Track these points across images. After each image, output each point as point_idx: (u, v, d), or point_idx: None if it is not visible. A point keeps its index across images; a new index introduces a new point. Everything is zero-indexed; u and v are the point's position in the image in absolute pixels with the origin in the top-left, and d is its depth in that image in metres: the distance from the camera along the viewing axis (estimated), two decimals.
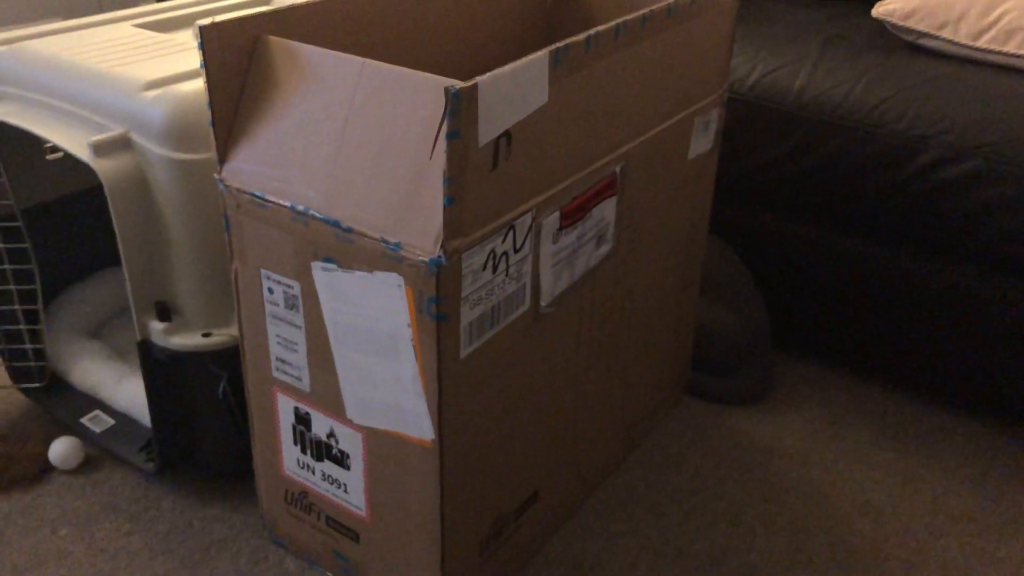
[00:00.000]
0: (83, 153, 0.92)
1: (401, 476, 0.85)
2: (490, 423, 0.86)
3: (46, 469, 1.14)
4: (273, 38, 0.81)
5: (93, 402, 1.18)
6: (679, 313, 1.17)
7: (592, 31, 0.80)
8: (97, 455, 1.16)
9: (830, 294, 1.26)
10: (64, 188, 1.25)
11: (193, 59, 1.01)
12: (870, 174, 1.16)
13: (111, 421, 1.16)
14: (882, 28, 1.35)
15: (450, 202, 0.71)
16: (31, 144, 1.16)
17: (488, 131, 0.71)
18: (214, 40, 0.79)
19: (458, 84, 0.67)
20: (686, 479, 1.14)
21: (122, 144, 0.94)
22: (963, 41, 1.24)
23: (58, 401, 1.20)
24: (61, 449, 1.13)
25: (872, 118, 1.16)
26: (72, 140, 0.95)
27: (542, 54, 0.75)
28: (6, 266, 1.14)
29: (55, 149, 1.11)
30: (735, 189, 1.29)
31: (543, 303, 0.87)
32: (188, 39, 1.11)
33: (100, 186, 1.28)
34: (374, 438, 0.85)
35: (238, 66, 0.82)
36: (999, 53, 1.21)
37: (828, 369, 1.35)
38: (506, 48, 1.16)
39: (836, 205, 1.20)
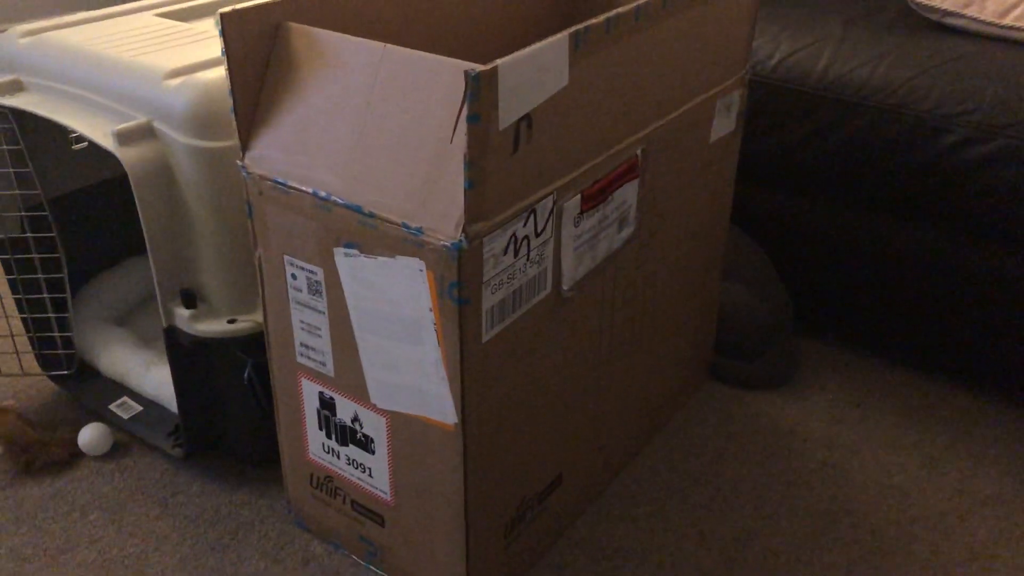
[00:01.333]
0: (107, 142, 0.93)
1: (425, 460, 0.86)
2: (513, 407, 0.86)
3: (76, 455, 1.15)
4: (294, 24, 0.82)
5: (121, 389, 1.20)
6: (702, 296, 1.17)
7: (612, 13, 0.80)
8: (126, 441, 1.18)
9: (854, 276, 1.25)
10: (90, 178, 1.26)
11: (214, 47, 1.02)
12: (895, 155, 1.15)
13: (139, 407, 1.17)
14: (906, 7, 1.34)
15: (471, 186, 0.71)
16: (57, 134, 1.17)
17: (508, 114, 0.71)
18: (235, 27, 0.79)
19: (478, 67, 0.67)
20: (709, 462, 1.14)
21: (146, 132, 0.94)
22: (989, 19, 1.22)
23: (87, 388, 1.21)
24: (90, 435, 1.15)
25: (897, 98, 1.14)
26: (96, 129, 0.96)
27: (562, 36, 0.74)
28: (34, 255, 1.15)
29: (80, 139, 1.12)
30: (758, 171, 1.28)
31: (565, 287, 0.87)
32: (209, 27, 1.11)
33: (125, 175, 1.30)
34: (398, 422, 0.86)
35: (259, 53, 0.82)
36: None
37: (852, 351, 1.34)
38: (525, 31, 1.16)
39: (860, 186, 1.19)
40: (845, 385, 1.27)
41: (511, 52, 0.70)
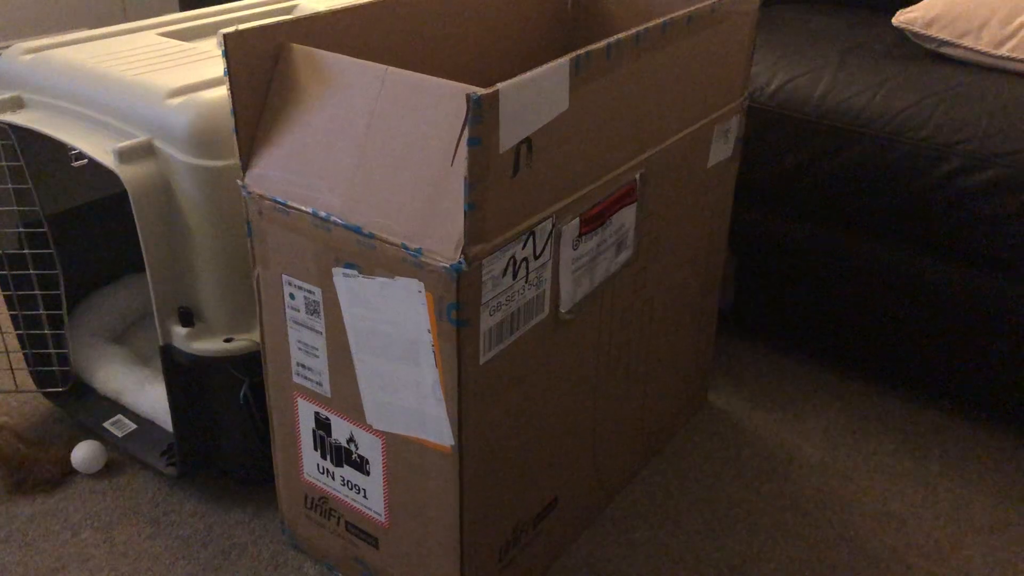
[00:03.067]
0: (108, 160, 0.93)
1: (420, 482, 0.85)
2: (510, 429, 0.86)
3: (69, 473, 1.15)
4: (296, 46, 0.82)
5: (115, 407, 1.19)
6: (699, 320, 1.17)
7: (612, 39, 0.80)
8: (119, 459, 1.17)
9: (851, 301, 1.26)
10: (88, 195, 1.27)
11: (216, 67, 1.02)
12: (891, 182, 1.16)
13: (133, 426, 1.17)
14: (903, 36, 1.35)
15: (471, 208, 0.71)
16: (56, 151, 1.17)
17: (509, 137, 0.72)
18: (238, 48, 0.80)
19: (480, 91, 0.68)
20: (706, 487, 1.14)
21: (146, 151, 0.95)
22: (985, 49, 1.23)
23: (81, 405, 1.21)
24: (84, 453, 1.14)
25: (893, 126, 1.15)
26: (97, 147, 0.96)
27: (563, 61, 0.75)
28: (31, 272, 1.15)
29: (80, 156, 1.12)
30: (755, 196, 1.29)
31: (563, 309, 0.87)
32: (211, 48, 1.12)
33: (124, 193, 1.30)
34: (394, 443, 0.86)
35: (261, 74, 0.83)
36: (1021, 61, 1.20)
37: (849, 377, 1.34)
38: (526, 55, 1.16)
39: (857, 213, 1.20)
40: (842, 411, 1.27)
41: (512, 76, 0.71)
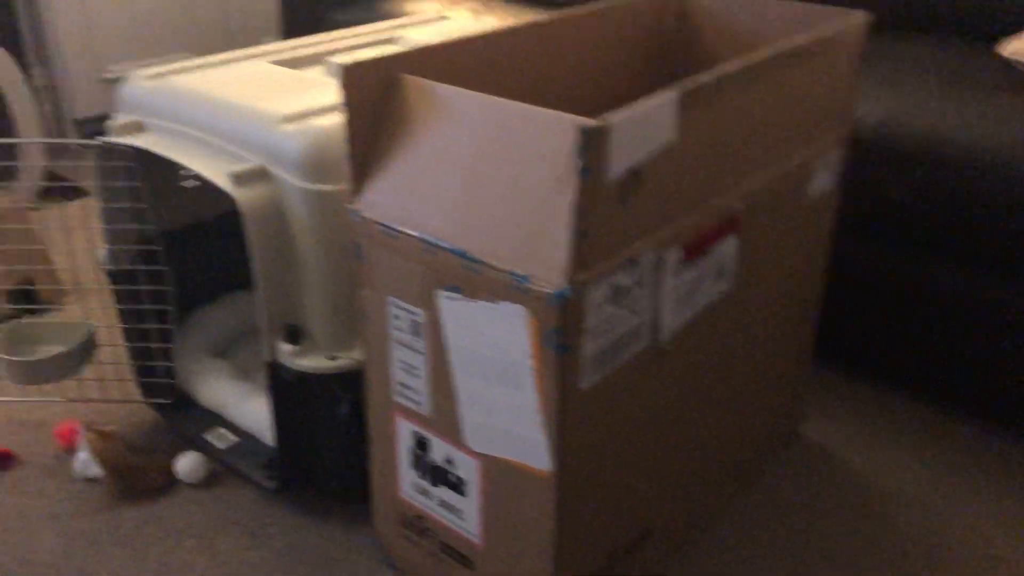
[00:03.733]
0: (224, 182, 0.97)
1: (517, 505, 0.86)
2: (607, 456, 0.86)
3: (172, 481, 1.19)
4: (408, 76, 0.85)
5: (218, 419, 1.24)
6: (795, 352, 1.16)
7: (721, 69, 0.81)
8: (220, 471, 1.21)
9: (955, 337, 1.22)
10: (195, 216, 1.32)
11: (325, 95, 1.06)
12: (1000, 216, 1.13)
13: (235, 438, 1.21)
14: (1008, 66, 1.32)
15: (578, 236, 0.73)
16: (168, 172, 1.23)
17: (618, 167, 0.73)
18: (354, 78, 0.83)
19: (591, 122, 0.69)
20: (799, 522, 1.12)
21: (260, 175, 0.98)
22: None
23: (185, 417, 1.25)
24: (187, 463, 1.18)
25: (1001, 159, 1.12)
26: (213, 170, 1.00)
27: (672, 92, 0.76)
28: (143, 287, 1.20)
29: (191, 178, 1.17)
30: (855, 229, 1.27)
31: (662, 338, 0.87)
32: (319, 76, 1.16)
33: (228, 214, 1.35)
34: (492, 466, 0.87)
35: (374, 103, 0.85)
36: None
37: (951, 415, 1.31)
38: (627, 83, 1.18)
39: (962, 247, 1.17)
40: (944, 449, 1.24)
41: (613, 103, 0.72)
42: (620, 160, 0.73)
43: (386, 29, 1.37)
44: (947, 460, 1.22)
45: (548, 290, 0.74)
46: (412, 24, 1.41)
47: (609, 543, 0.92)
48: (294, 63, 1.23)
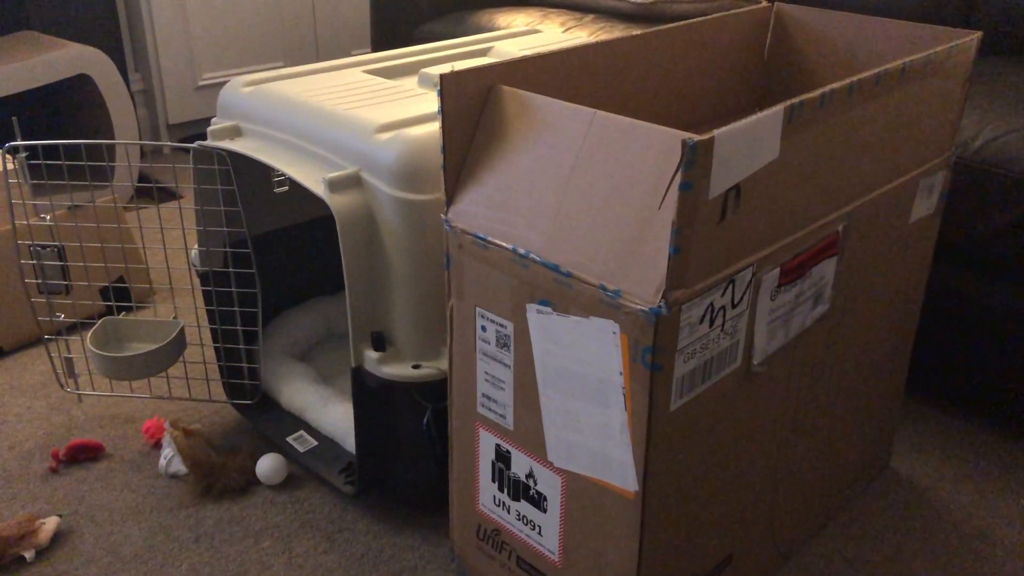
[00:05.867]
0: (319, 188, 0.99)
1: (599, 525, 0.85)
2: (693, 479, 0.84)
3: (252, 482, 1.21)
4: (506, 87, 0.85)
5: (299, 423, 1.25)
6: (889, 380, 1.12)
7: (827, 88, 0.79)
8: (299, 473, 1.22)
9: None
10: (284, 221, 1.34)
11: (420, 105, 1.07)
12: None
13: (314, 442, 1.22)
14: None
15: (676, 252, 0.71)
16: (261, 177, 1.25)
17: (719, 184, 0.71)
18: (452, 88, 0.83)
19: (695, 137, 0.68)
20: (886, 557, 1.08)
21: (354, 182, 0.99)
22: None
23: (267, 419, 1.27)
24: (267, 465, 1.20)
25: None
26: (308, 176, 1.02)
27: (777, 109, 0.74)
28: (233, 289, 1.22)
29: (282, 183, 1.19)
30: (955, 256, 1.23)
31: (755, 361, 0.85)
32: (412, 86, 1.17)
33: (316, 220, 1.37)
34: (574, 483, 0.86)
35: (471, 113, 0.85)
36: None
37: None
38: (722, 100, 1.16)
39: None
40: None
41: (709, 119, 0.70)
42: (722, 177, 0.71)
43: (478, 41, 1.37)
44: None
45: (641, 307, 0.73)
46: (503, 37, 1.41)
47: (691, 567, 0.90)
48: (388, 73, 1.24)
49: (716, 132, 0.69)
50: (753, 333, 0.83)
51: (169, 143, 1.26)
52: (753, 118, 0.72)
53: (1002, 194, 1.16)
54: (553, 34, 1.47)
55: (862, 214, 0.91)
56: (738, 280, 0.78)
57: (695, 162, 0.68)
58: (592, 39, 0.98)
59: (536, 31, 1.48)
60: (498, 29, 1.81)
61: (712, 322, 0.78)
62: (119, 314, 1.39)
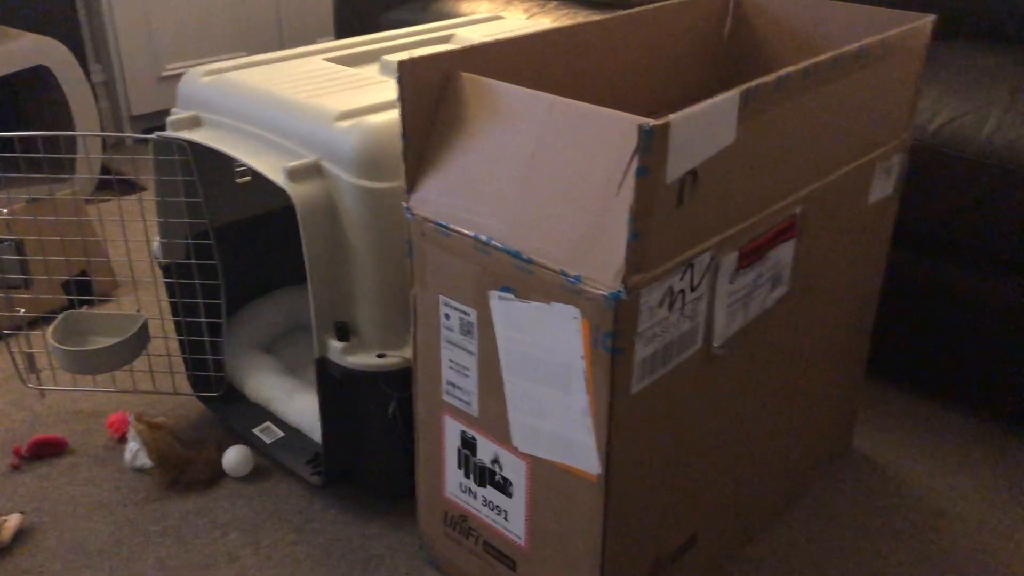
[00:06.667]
0: (279, 178, 0.98)
1: (564, 508, 0.85)
2: (656, 461, 0.85)
3: (219, 474, 1.20)
4: (465, 74, 0.85)
5: (264, 414, 1.25)
6: (849, 361, 1.13)
7: (782, 72, 0.79)
8: (266, 465, 1.22)
9: (1011, 351, 1.19)
10: (245, 211, 1.33)
11: (380, 92, 1.06)
12: None
13: (281, 433, 1.21)
14: None
15: (634, 237, 0.72)
16: (223, 168, 1.24)
17: (676, 169, 0.72)
18: (411, 75, 0.83)
19: (652, 121, 0.68)
20: (849, 536, 1.10)
21: (314, 171, 0.99)
22: None
23: (232, 411, 1.26)
24: (234, 457, 1.19)
25: None
26: (268, 165, 1.01)
27: (732, 94, 0.75)
28: (196, 281, 1.22)
29: (244, 173, 1.18)
30: (914, 237, 1.24)
31: (715, 344, 0.86)
32: (373, 73, 1.16)
33: (278, 211, 1.36)
34: (539, 468, 0.86)
35: (430, 100, 0.85)
36: None
37: (1007, 430, 1.27)
38: (682, 84, 1.16)
39: (1022, 258, 1.14)
40: (999, 464, 1.21)
41: (668, 105, 0.71)
42: (679, 161, 0.72)
43: (440, 28, 1.37)
44: (1004, 478, 1.19)
45: (601, 292, 0.73)
46: (466, 24, 1.41)
47: (656, 548, 0.91)
48: (349, 61, 1.23)
49: (672, 117, 0.69)
50: (713, 316, 0.84)
51: (130, 135, 1.25)
52: (709, 102, 0.73)
53: (959, 176, 1.17)
54: (517, 20, 1.47)
55: (820, 197, 0.92)
56: (697, 264, 0.79)
57: (651, 147, 0.69)
58: (555, 25, 0.98)
59: (499, 17, 1.48)
60: (461, 16, 1.80)
61: (672, 306, 0.78)
62: (81, 308, 1.37)
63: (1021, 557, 1.06)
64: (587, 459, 0.81)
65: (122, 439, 1.26)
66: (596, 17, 1.03)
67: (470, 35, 1.31)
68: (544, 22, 1.67)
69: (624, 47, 1.07)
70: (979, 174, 1.15)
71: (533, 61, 0.97)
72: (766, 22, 1.17)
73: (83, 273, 1.58)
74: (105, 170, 2.12)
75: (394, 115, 0.99)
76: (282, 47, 2.64)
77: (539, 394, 0.83)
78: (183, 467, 1.19)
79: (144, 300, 1.46)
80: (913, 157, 1.21)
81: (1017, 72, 1.31)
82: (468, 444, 0.93)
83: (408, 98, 0.83)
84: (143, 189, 2.04)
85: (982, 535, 1.09)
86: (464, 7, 1.85)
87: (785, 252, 0.90)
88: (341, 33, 2.07)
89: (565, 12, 1.74)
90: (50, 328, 1.27)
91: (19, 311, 1.35)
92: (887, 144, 1.01)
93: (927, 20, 0.99)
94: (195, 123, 1.13)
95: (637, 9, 1.07)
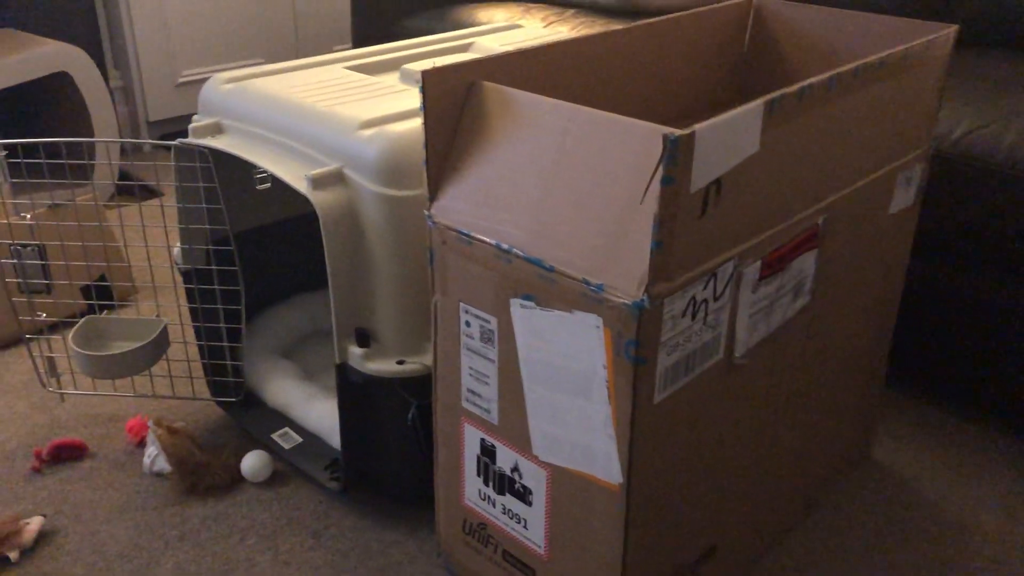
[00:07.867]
0: (301, 185, 0.99)
1: (584, 517, 0.85)
2: (677, 471, 0.85)
3: (237, 480, 1.20)
4: (488, 83, 0.85)
5: (283, 419, 1.25)
6: (868, 371, 1.13)
7: (805, 82, 0.79)
8: (284, 470, 1.22)
9: None
10: (268, 217, 1.34)
11: (402, 101, 1.07)
12: None
13: (299, 439, 1.22)
14: None
15: (658, 246, 0.72)
16: (242, 174, 1.25)
17: (701, 178, 0.72)
18: (435, 84, 0.83)
19: (676, 131, 0.68)
20: (867, 546, 1.09)
21: (337, 178, 0.99)
22: None
23: (251, 416, 1.27)
24: (252, 462, 1.20)
25: None
26: (290, 173, 1.01)
27: (757, 104, 0.75)
28: (216, 287, 1.22)
29: (264, 180, 1.19)
30: (934, 247, 1.24)
31: (737, 353, 0.86)
32: (394, 82, 1.17)
33: (298, 217, 1.37)
34: (559, 476, 0.86)
35: (453, 109, 0.86)
36: None
37: None
38: (703, 95, 1.16)
39: None
40: (1019, 476, 1.20)
41: (689, 114, 0.71)
42: (703, 171, 0.72)
43: (459, 37, 1.37)
44: (1022, 488, 1.18)
45: (624, 301, 0.74)
46: (484, 32, 1.41)
47: (675, 558, 0.91)
48: (369, 70, 1.24)
49: (697, 127, 0.69)
50: (735, 326, 0.84)
51: (150, 141, 1.26)
52: (733, 112, 0.73)
53: (979, 185, 1.17)
54: (534, 29, 1.48)
55: (842, 207, 0.92)
56: (720, 273, 0.79)
57: (676, 157, 0.69)
58: (573, 34, 0.99)
59: (517, 26, 1.49)
60: (479, 24, 1.81)
61: (695, 315, 0.78)
62: (101, 313, 1.38)
63: None
64: (608, 468, 0.81)
65: (141, 444, 1.27)
66: (614, 26, 1.04)
67: (489, 44, 1.31)
68: (561, 31, 1.68)
69: (643, 56, 1.07)
70: (1001, 184, 1.15)
71: (554, 70, 0.97)
72: (786, 32, 1.17)
73: (103, 278, 1.59)
74: (124, 176, 2.14)
75: (415, 123, 1.00)
76: (299, 54, 2.66)
77: (560, 403, 0.83)
78: (201, 472, 1.19)
79: (163, 305, 1.47)
80: (934, 167, 1.21)
81: None
82: (488, 452, 0.93)
83: (431, 107, 0.84)
84: (161, 195, 2.06)
85: (1004, 548, 1.09)
86: (481, 15, 1.86)
87: (807, 262, 0.90)
88: (358, 40, 2.08)
89: (582, 21, 1.75)
90: (71, 332, 1.28)
91: (40, 315, 1.36)
92: (909, 154, 1.01)
93: (950, 30, 0.99)
94: (217, 130, 1.14)
95: (657, 19, 1.07)
